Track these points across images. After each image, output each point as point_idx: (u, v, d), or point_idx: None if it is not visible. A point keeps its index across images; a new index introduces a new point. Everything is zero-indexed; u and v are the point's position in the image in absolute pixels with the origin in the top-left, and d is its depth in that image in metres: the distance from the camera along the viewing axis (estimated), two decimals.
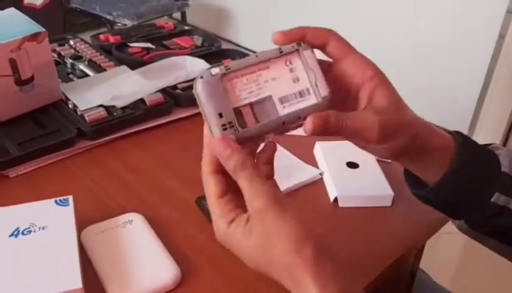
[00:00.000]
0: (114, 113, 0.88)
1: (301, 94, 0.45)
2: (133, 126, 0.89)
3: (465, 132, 0.49)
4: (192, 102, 0.97)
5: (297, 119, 0.44)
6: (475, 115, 2.28)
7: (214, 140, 0.43)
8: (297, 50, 0.45)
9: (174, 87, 0.97)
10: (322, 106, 0.45)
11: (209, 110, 0.42)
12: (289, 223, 0.42)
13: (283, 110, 0.44)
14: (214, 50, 1.17)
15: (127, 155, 0.84)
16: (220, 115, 0.42)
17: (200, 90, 0.42)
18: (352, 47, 0.48)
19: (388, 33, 2.39)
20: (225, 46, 1.24)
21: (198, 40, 1.23)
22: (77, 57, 1.06)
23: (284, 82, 0.44)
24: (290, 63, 0.45)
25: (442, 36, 2.24)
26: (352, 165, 0.83)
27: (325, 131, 0.44)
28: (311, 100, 0.45)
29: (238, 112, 0.42)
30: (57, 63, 1.05)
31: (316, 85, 0.45)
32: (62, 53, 1.10)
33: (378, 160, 0.85)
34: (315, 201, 0.77)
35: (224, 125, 0.42)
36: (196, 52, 1.13)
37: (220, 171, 0.45)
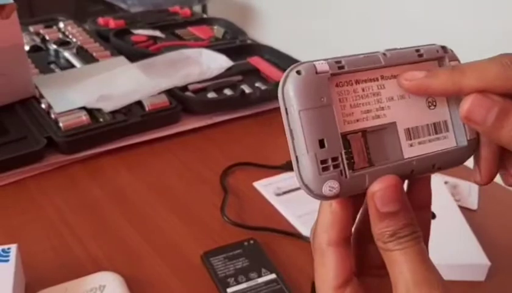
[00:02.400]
0: (100, 120, 0.72)
1: (436, 129, 0.32)
2: (124, 138, 0.72)
3: None
4: (207, 109, 0.87)
5: (430, 168, 0.31)
6: None
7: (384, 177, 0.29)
8: (442, 57, 0.32)
9: (184, 88, 0.81)
10: (464, 153, 0.32)
11: (305, 131, 0.28)
12: None
13: (409, 151, 0.31)
14: (238, 45, 0.98)
15: (113, 179, 0.67)
16: (321, 143, 0.28)
17: (293, 92, 0.28)
18: None
19: (420, 34, 2.21)
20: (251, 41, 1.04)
21: (219, 31, 1.04)
22: (64, 43, 0.87)
23: (415, 104, 0.31)
24: None
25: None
26: None
27: None
28: (448, 141, 0.32)
29: (345, 141, 0.29)
30: (39, 48, 0.89)
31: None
32: (47, 37, 0.92)
33: (461, 208, 0.62)
34: None
35: (324, 162, 0.28)
36: (215, 46, 0.96)
37: (348, 241, 0.32)
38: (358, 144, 0.30)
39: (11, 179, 0.64)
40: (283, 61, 0.90)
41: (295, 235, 0.58)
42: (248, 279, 0.51)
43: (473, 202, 0.65)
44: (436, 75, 0.30)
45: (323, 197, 0.28)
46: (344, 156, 0.28)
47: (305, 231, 0.58)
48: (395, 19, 2.34)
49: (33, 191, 0.63)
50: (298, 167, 0.28)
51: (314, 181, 0.28)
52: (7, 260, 0.47)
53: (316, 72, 0.28)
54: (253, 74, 0.87)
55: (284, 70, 0.94)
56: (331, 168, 0.28)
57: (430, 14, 2.21)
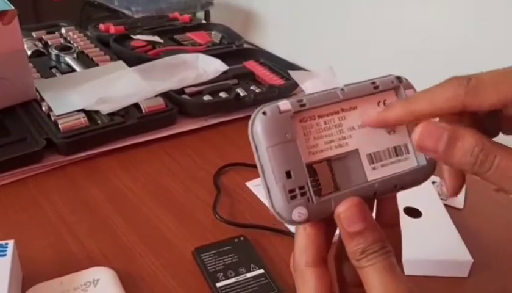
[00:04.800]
0: (98, 121, 0.73)
1: (397, 151, 0.34)
2: (121, 139, 0.73)
3: None
4: (202, 111, 0.88)
5: (392, 188, 0.34)
6: None
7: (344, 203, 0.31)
8: (397, 87, 0.34)
9: (180, 91, 0.82)
10: (425, 172, 0.35)
11: (273, 165, 0.31)
12: None
13: (373, 174, 0.33)
14: (235, 49, 1.00)
15: (110, 178, 0.68)
16: (288, 174, 0.31)
17: (260, 131, 0.31)
18: None
19: (431, 44, 2.19)
20: (247, 46, 1.06)
21: (216, 36, 1.06)
22: (65, 48, 0.88)
23: (375, 131, 0.34)
24: (384, 104, 0.34)
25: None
26: (413, 212, 0.63)
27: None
28: (409, 162, 0.34)
29: (311, 170, 0.31)
30: (41, 53, 0.91)
31: None
32: (49, 42, 0.92)
33: (446, 206, 0.63)
34: None
35: (292, 191, 0.31)
36: (212, 50, 0.97)
37: (325, 261, 0.33)
38: (324, 172, 0.32)
39: (12, 179, 0.65)
40: (278, 64, 0.92)
41: (284, 232, 0.59)
42: (237, 274, 0.53)
43: (459, 202, 0.67)
44: (391, 108, 0.32)
45: (293, 222, 0.30)
46: (310, 184, 0.31)
47: (293, 229, 0.60)
48: (393, 26, 2.34)
49: (32, 190, 0.64)
50: (270, 197, 0.31)
51: (284, 209, 0.30)
52: (4, 255, 0.48)
53: (280, 112, 0.31)
54: (248, 77, 0.89)
55: (278, 73, 0.97)
56: (299, 196, 0.30)
57: (430, 21, 2.22)
